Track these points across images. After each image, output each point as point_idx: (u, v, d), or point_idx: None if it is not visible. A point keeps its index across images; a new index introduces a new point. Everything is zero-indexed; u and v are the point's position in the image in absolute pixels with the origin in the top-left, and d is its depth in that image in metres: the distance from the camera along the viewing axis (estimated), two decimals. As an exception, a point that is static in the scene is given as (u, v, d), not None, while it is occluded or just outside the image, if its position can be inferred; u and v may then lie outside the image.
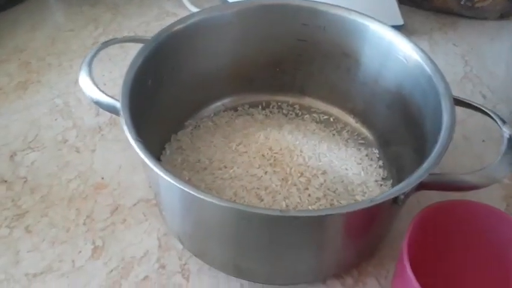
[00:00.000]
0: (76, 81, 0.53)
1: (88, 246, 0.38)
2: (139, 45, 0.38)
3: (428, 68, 0.36)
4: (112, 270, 0.37)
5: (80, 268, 0.37)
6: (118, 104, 0.34)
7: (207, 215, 0.31)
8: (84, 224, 0.40)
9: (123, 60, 0.55)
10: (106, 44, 0.40)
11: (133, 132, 0.31)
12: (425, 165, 0.30)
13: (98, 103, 0.36)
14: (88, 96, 0.36)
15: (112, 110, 0.35)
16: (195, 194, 0.28)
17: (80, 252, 0.38)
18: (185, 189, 0.28)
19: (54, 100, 0.51)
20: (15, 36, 0.59)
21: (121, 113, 0.32)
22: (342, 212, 0.28)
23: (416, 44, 0.38)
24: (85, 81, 0.37)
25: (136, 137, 0.31)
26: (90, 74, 0.37)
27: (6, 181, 0.43)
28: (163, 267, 0.37)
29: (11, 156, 0.45)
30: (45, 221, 0.40)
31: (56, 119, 0.49)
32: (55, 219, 0.40)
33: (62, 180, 0.43)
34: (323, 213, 0.28)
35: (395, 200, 0.30)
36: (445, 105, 0.34)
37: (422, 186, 0.31)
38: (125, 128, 0.31)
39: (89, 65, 0.38)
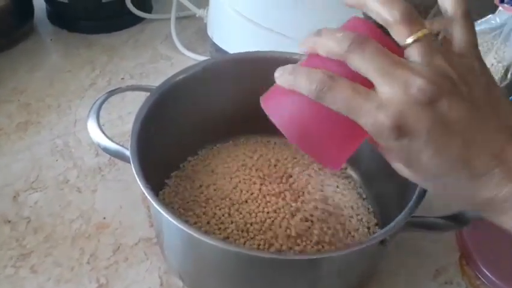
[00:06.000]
0: (75, 122, 0.56)
1: (93, 285, 0.40)
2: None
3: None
4: (116, 308, 0.39)
5: (85, 306, 0.39)
6: (126, 152, 0.38)
7: (209, 255, 0.34)
8: (88, 262, 0.42)
9: (120, 102, 0.58)
10: (113, 93, 0.43)
11: (142, 180, 0.34)
12: (406, 210, 0.34)
13: (105, 149, 0.39)
14: (96, 142, 0.39)
15: (120, 156, 0.38)
16: (202, 238, 0.31)
17: (85, 290, 0.40)
18: (195, 234, 0.31)
19: (55, 141, 0.53)
20: (14, 77, 0.61)
21: (132, 163, 0.35)
22: (333, 256, 0.32)
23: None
24: (93, 129, 0.39)
25: (145, 184, 0.34)
26: (98, 121, 0.40)
27: (10, 221, 0.44)
28: (165, 304, 0.39)
29: (14, 196, 0.47)
30: (49, 261, 0.42)
31: (57, 160, 0.51)
32: (59, 259, 0.42)
33: (64, 220, 0.45)
34: (315, 257, 0.32)
35: (381, 242, 0.34)
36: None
37: (405, 228, 0.35)
38: (136, 177, 0.34)
39: (97, 112, 0.41)
